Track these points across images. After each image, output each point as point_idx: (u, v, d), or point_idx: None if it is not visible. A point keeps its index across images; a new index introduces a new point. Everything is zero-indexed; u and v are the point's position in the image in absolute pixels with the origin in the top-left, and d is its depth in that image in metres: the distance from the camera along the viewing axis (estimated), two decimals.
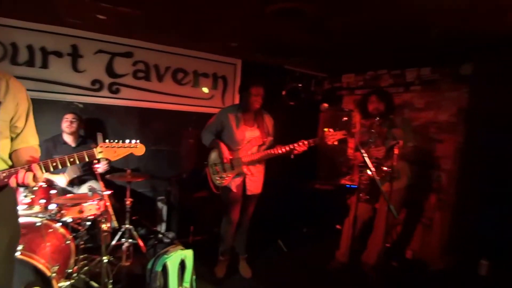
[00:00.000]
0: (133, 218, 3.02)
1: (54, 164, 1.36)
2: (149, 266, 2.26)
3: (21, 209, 2.10)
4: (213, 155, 2.72)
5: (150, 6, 2.46)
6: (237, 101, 3.98)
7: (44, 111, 3.02)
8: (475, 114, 3.08)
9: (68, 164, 1.38)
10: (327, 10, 2.29)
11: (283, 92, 4.31)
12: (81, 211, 2.26)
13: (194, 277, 2.37)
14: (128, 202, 2.89)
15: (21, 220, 1.79)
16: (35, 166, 1.31)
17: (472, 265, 2.99)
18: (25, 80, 3.00)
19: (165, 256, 2.24)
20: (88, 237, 2.59)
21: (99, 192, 2.49)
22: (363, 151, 2.27)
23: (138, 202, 3.17)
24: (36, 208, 2.17)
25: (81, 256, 2.39)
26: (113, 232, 2.81)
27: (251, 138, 2.66)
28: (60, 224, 2.22)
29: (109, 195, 2.54)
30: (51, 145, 2.94)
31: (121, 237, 2.89)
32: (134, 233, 2.96)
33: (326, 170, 4.68)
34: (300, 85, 4.38)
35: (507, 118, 2.80)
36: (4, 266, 1.40)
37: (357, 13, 2.31)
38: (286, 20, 2.49)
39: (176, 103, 3.83)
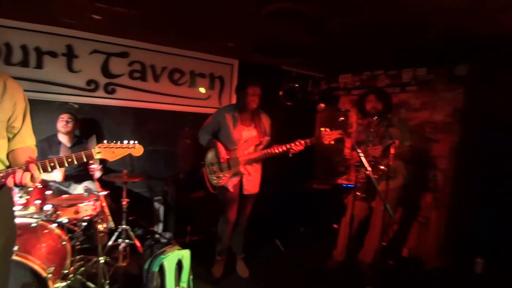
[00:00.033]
0: (130, 218, 3.01)
1: (52, 164, 1.35)
2: (146, 266, 2.25)
3: (16, 209, 2.08)
4: (210, 155, 2.72)
5: (146, 6, 2.46)
6: (234, 101, 3.97)
7: (38, 111, 3.00)
8: (470, 115, 3.11)
9: (66, 164, 1.38)
10: (324, 10, 2.29)
11: (280, 93, 4.32)
12: (77, 212, 2.24)
13: (191, 277, 2.37)
14: (124, 203, 2.87)
15: (16, 221, 1.78)
16: (32, 166, 1.31)
17: (468, 263, 3.01)
18: (20, 81, 2.89)
19: (162, 256, 2.23)
20: (84, 238, 2.56)
21: (95, 192, 2.47)
22: (359, 150, 2.28)
23: (135, 202, 3.16)
24: (31, 209, 2.15)
25: (77, 257, 2.38)
26: (109, 232, 2.80)
27: (248, 138, 2.66)
28: (56, 224, 2.20)
29: (105, 196, 2.52)
30: (46, 146, 2.92)
31: (118, 237, 2.88)
32: (131, 233, 2.95)
33: (323, 170, 4.69)
34: (297, 85, 4.39)
35: (502, 118, 2.83)
36: (0, 266, 1.39)
37: (354, 13, 2.32)
38: (283, 20, 2.50)
39: (172, 103, 3.82)
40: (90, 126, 3.39)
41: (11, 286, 1.61)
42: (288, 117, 3.95)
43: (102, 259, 2.29)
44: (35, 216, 2.13)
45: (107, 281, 2.30)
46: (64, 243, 2.18)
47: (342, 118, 2.57)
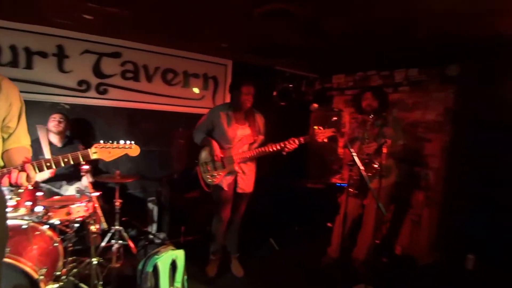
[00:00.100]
0: (123, 219, 2.99)
1: (48, 164, 1.34)
2: (139, 267, 2.24)
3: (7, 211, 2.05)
4: (204, 154, 2.72)
5: (138, 6, 2.44)
6: (228, 101, 3.98)
7: (29, 112, 2.93)
8: (461, 114, 3.16)
9: (62, 164, 1.37)
10: (317, 11, 2.31)
11: (274, 93, 4.34)
12: (68, 213, 2.22)
13: (185, 277, 2.37)
14: (117, 203, 2.85)
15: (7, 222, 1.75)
16: (28, 166, 1.30)
17: (459, 260, 3.06)
18: None
19: (156, 256, 2.22)
20: (77, 239, 2.55)
21: (87, 193, 2.45)
22: (352, 149, 2.30)
23: (128, 203, 3.14)
24: (22, 211, 2.12)
25: (70, 259, 2.35)
26: (102, 233, 2.78)
27: (242, 136, 2.66)
28: (47, 226, 2.17)
29: (98, 197, 2.50)
30: (37, 146, 2.88)
31: (111, 238, 2.86)
32: (124, 234, 2.93)
33: (317, 169, 4.72)
34: (291, 85, 4.41)
35: (492, 118, 2.88)
36: None
37: (347, 15, 2.34)
38: (276, 21, 2.51)
39: (166, 104, 3.80)
40: (81, 126, 3.36)
41: None
42: (282, 117, 3.96)
43: (95, 260, 2.28)
44: (26, 217, 2.10)
45: (101, 282, 2.29)
46: (56, 244, 2.16)
47: (335, 118, 2.60)
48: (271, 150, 2.55)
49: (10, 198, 2.11)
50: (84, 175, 2.50)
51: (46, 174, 2.74)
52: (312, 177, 4.63)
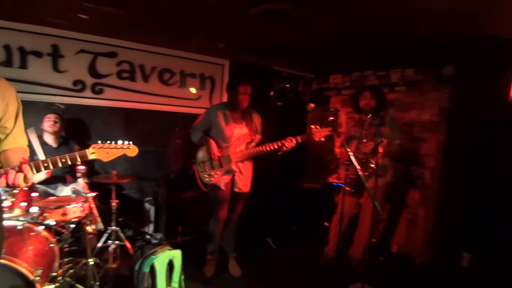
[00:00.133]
0: (120, 219, 2.98)
1: (46, 164, 1.33)
2: (136, 267, 2.23)
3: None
4: (201, 153, 2.71)
5: (135, 6, 2.43)
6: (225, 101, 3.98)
7: (23, 112, 2.90)
8: (456, 114, 3.19)
9: (60, 165, 1.36)
10: (314, 12, 2.32)
11: (271, 93, 4.34)
12: (64, 214, 2.20)
13: (182, 277, 2.36)
14: (114, 204, 2.84)
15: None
16: (26, 167, 1.29)
17: (454, 258, 3.09)
18: None
19: (153, 256, 2.22)
20: (73, 240, 2.53)
21: (83, 194, 2.44)
22: (348, 149, 2.31)
23: (125, 203, 3.13)
24: (17, 211, 2.10)
25: (66, 259, 2.34)
26: (99, 234, 2.77)
27: (239, 135, 2.66)
28: (43, 227, 2.16)
29: (94, 197, 2.49)
30: (30, 149, 2.86)
31: (108, 239, 2.84)
32: (121, 234, 2.91)
33: (314, 169, 4.73)
34: (288, 85, 4.41)
35: (486, 118, 2.90)
36: None
37: (344, 15, 2.35)
38: (273, 21, 2.51)
39: (162, 104, 3.79)
40: (77, 127, 3.33)
41: None
42: (279, 117, 3.97)
43: (91, 261, 2.26)
44: (21, 218, 2.08)
45: (97, 283, 2.27)
46: (51, 245, 2.14)
47: (331, 118, 2.61)
48: (268, 149, 2.56)
49: (5, 199, 2.09)
50: (80, 176, 2.48)
51: (43, 175, 2.72)
52: (309, 176, 4.64)
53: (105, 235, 2.85)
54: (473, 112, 3.00)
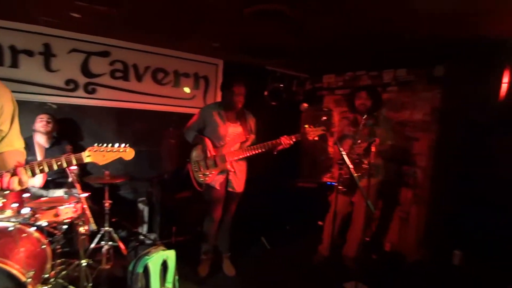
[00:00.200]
0: (113, 220, 2.96)
1: (41, 167, 1.31)
2: (130, 268, 2.22)
3: None
4: (195, 152, 2.70)
5: (128, 5, 2.41)
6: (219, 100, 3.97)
7: None
8: (447, 114, 3.23)
9: (55, 167, 1.34)
10: (307, 12, 2.33)
11: (265, 93, 4.35)
12: (56, 215, 2.18)
13: (176, 277, 2.36)
14: (107, 204, 2.82)
15: None
16: (20, 170, 1.27)
17: (446, 256, 3.13)
18: None
19: (147, 257, 2.21)
20: (65, 241, 2.50)
21: (76, 194, 2.41)
22: (341, 148, 2.33)
23: (118, 204, 3.10)
24: (8, 213, 2.07)
25: (58, 261, 2.32)
26: (91, 235, 2.74)
27: (234, 135, 2.67)
28: (35, 228, 2.13)
29: (86, 198, 2.47)
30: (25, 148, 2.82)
31: (101, 239, 2.82)
32: (114, 235, 2.89)
33: (308, 169, 4.75)
34: (282, 85, 4.43)
35: (477, 117, 2.94)
36: None
37: (337, 17, 2.37)
38: (267, 21, 2.51)
39: (156, 103, 3.77)
40: (69, 127, 3.30)
41: None
42: (273, 117, 3.98)
43: (84, 262, 2.24)
44: (13, 219, 2.05)
45: (90, 284, 2.26)
46: (43, 246, 2.11)
47: (325, 118, 2.63)
48: (263, 149, 2.57)
49: None
50: (71, 175, 2.46)
51: (39, 180, 2.68)
52: (303, 176, 4.66)
53: (98, 236, 2.83)
54: (464, 112, 3.04)
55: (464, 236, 3.02)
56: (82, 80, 3.32)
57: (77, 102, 3.33)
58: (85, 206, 2.41)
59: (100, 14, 2.56)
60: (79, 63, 3.29)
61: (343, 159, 2.32)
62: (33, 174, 1.31)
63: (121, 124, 3.60)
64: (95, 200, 2.85)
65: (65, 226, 2.30)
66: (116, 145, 1.49)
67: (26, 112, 2.99)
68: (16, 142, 1.44)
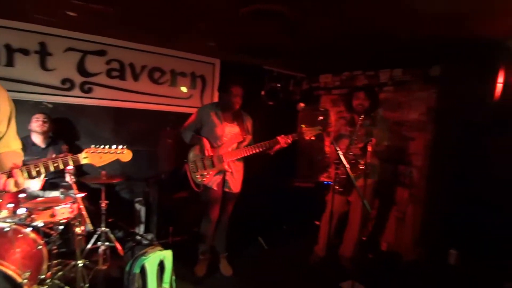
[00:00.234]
0: (109, 220, 2.94)
1: (37, 169, 1.30)
2: (127, 268, 2.21)
3: None
4: (193, 153, 2.70)
5: (124, 4, 2.40)
6: (216, 100, 3.97)
7: None
8: (443, 113, 3.25)
9: (52, 169, 1.33)
10: (304, 12, 2.33)
11: (262, 92, 4.35)
12: (53, 215, 2.17)
13: (173, 277, 2.35)
14: (103, 205, 2.80)
15: None
16: (16, 172, 1.25)
17: (442, 255, 3.16)
18: None
19: (143, 257, 2.20)
20: (62, 242, 2.49)
21: (72, 194, 2.40)
22: (338, 148, 2.34)
23: (115, 204, 3.09)
24: (4, 213, 2.06)
25: (55, 261, 2.30)
26: (88, 235, 2.73)
27: (231, 135, 2.67)
28: (31, 229, 2.11)
29: (83, 198, 2.45)
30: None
31: (97, 240, 2.81)
32: (111, 235, 2.88)
33: (304, 168, 4.76)
34: (279, 85, 4.43)
35: (472, 117, 2.97)
36: None
37: (334, 17, 2.37)
38: (263, 20, 2.51)
39: (153, 103, 3.76)
40: (65, 126, 3.28)
41: None
42: (270, 116, 3.98)
43: (80, 263, 2.23)
44: (8, 220, 2.04)
45: (87, 285, 2.25)
46: (40, 247, 2.09)
47: (321, 117, 2.64)
48: (260, 148, 2.57)
49: None
50: (68, 175, 2.45)
51: (38, 184, 2.65)
52: (300, 176, 4.67)
53: (95, 237, 2.82)
54: (459, 112, 3.06)
55: (460, 235, 3.05)
56: (78, 79, 3.30)
57: (73, 102, 3.31)
58: (82, 206, 2.40)
59: (96, 12, 2.55)
60: (75, 62, 3.27)
61: (339, 158, 2.33)
62: (30, 176, 1.30)
63: (117, 124, 3.59)
64: (91, 200, 2.84)
65: (61, 227, 2.28)
66: (114, 146, 1.48)
67: (22, 111, 2.96)
68: (13, 143, 1.43)
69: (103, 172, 2.81)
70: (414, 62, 3.41)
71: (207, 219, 2.76)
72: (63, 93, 3.24)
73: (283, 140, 2.53)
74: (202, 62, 4.03)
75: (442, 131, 3.26)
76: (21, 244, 1.98)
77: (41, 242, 2.12)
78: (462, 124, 3.05)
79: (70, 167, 2.41)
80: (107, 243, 2.78)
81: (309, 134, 2.52)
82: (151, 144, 3.80)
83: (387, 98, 3.74)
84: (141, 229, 3.51)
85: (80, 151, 1.44)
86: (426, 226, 3.33)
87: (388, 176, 3.40)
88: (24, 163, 1.34)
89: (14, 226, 2.01)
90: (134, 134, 3.65)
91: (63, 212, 2.21)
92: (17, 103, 3.05)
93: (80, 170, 3.11)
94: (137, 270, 2.15)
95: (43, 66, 3.12)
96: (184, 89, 3.95)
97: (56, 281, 2.24)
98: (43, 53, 3.10)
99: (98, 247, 2.73)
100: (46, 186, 2.82)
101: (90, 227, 2.64)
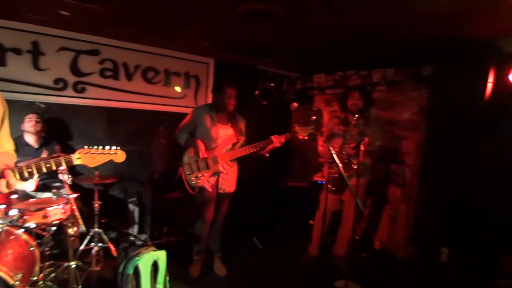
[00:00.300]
0: (102, 221, 2.92)
1: (30, 170, 1.30)
2: (120, 269, 2.20)
3: None
4: (188, 155, 2.69)
5: (118, 3, 2.39)
6: (210, 100, 3.96)
7: None
8: (434, 113, 3.29)
9: (44, 170, 1.33)
10: (298, 13, 2.35)
11: (256, 92, 4.36)
12: (45, 216, 2.15)
13: (167, 277, 2.35)
14: (96, 205, 2.79)
15: None
16: (8, 173, 1.25)
17: (434, 253, 3.20)
18: None
19: (137, 258, 2.19)
20: (54, 243, 2.47)
21: (65, 195, 2.38)
22: (331, 148, 2.36)
23: (109, 204, 3.07)
24: None
25: (47, 263, 2.28)
26: (81, 236, 2.72)
27: (225, 137, 2.67)
28: (23, 230, 2.10)
29: (75, 198, 2.44)
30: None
31: (90, 241, 2.79)
32: (104, 236, 2.86)
33: (298, 168, 4.78)
34: (272, 84, 4.45)
35: (463, 116, 3.01)
36: None
37: (328, 17, 2.39)
38: (257, 20, 2.52)
39: (147, 103, 3.75)
40: (58, 126, 3.25)
41: None
42: (264, 116, 4.00)
43: (73, 264, 2.22)
44: (0, 221, 2.02)
45: (80, 286, 2.24)
46: (32, 249, 2.08)
47: (314, 117, 2.66)
48: (255, 149, 2.58)
49: None
50: (61, 174, 2.43)
51: (31, 185, 2.63)
52: (294, 175, 4.69)
53: (88, 237, 2.80)
54: (451, 111, 3.09)
55: (452, 233, 3.08)
56: (71, 79, 3.28)
57: (66, 102, 3.28)
58: (74, 207, 2.39)
59: (90, 12, 2.53)
60: (68, 62, 3.25)
61: (332, 158, 2.35)
62: (22, 177, 1.29)
63: (111, 124, 3.57)
64: (84, 201, 2.82)
65: (54, 228, 2.27)
66: (107, 147, 1.48)
67: (14, 111, 2.92)
68: (6, 144, 1.42)
69: (96, 173, 2.79)
70: (406, 62, 3.45)
71: (201, 220, 2.76)
72: (56, 93, 3.22)
73: (277, 140, 2.55)
74: (196, 62, 4.02)
75: (434, 130, 3.30)
76: (13, 246, 1.97)
77: (34, 243, 2.11)
78: (454, 124, 3.08)
79: (63, 167, 2.42)
80: (100, 244, 2.77)
81: (302, 133, 2.54)
82: (144, 144, 3.79)
83: (379, 97, 3.77)
84: (134, 229, 3.50)
85: (74, 151, 1.43)
86: (418, 225, 3.37)
87: (380, 175, 3.43)
88: (16, 164, 1.33)
89: (6, 228, 1.99)
90: (128, 134, 3.64)
91: (56, 213, 2.19)
92: (9, 103, 3.02)
93: (73, 171, 3.10)
94: (130, 271, 2.14)
95: (36, 65, 3.09)
96: (178, 89, 3.94)
97: (49, 283, 2.23)
98: (36, 53, 3.07)
99: (91, 248, 2.71)
100: (39, 187, 2.79)
101: (83, 228, 2.63)
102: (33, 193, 2.74)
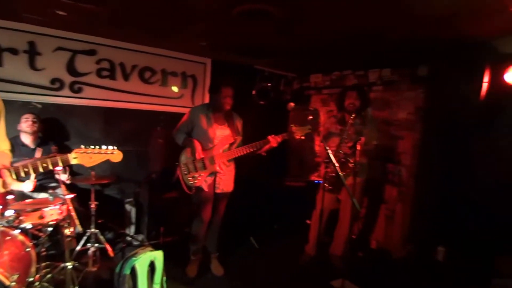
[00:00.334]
0: (99, 221, 2.92)
1: (26, 169, 1.30)
2: (117, 269, 2.20)
3: None
4: (185, 155, 2.70)
5: (115, 3, 2.38)
6: (207, 100, 3.96)
7: None
8: (430, 113, 3.31)
9: (41, 170, 1.33)
10: (295, 13, 2.35)
11: (253, 92, 4.36)
12: (41, 217, 2.13)
13: (164, 278, 2.35)
14: (93, 206, 2.78)
15: None
16: (4, 172, 1.25)
17: (430, 252, 3.22)
18: None
19: (134, 258, 2.19)
20: (51, 244, 2.47)
21: (61, 196, 2.38)
22: (327, 147, 2.37)
23: (105, 205, 3.06)
24: None
25: (44, 264, 2.27)
26: (77, 237, 2.71)
27: (222, 137, 2.67)
28: (19, 231, 2.09)
29: (72, 199, 2.43)
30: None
31: (87, 241, 2.78)
32: (101, 237, 2.86)
33: (295, 168, 4.79)
34: (269, 84, 4.45)
35: (459, 116, 3.03)
36: None
37: (325, 18, 2.40)
38: (255, 20, 2.52)
39: (143, 103, 3.74)
40: (55, 127, 3.24)
41: None
42: (261, 116, 4.00)
43: (69, 265, 2.21)
44: None
45: (76, 287, 2.23)
46: (28, 249, 2.07)
47: (311, 117, 2.67)
48: (252, 149, 2.58)
49: None
50: (58, 175, 2.42)
51: (29, 186, 2.62)
52: (291, 175, 4.70)
53: (84, 238, 2.79)
54: (446, 111, 3.11)
55: (448, 232, 3.10)
56: (67, 79, 3.27)
57: (63, 102, 3.27)
58: (71, 207, 2.38)
59: (86, 12, 2.53)
60: (64, 62, 3.24)
61: (329, 157, 2.36)
62: (18, 177, 1.29)
63: (108, 124, 3.56)
64: (81, 202, 2.81)
65: (50, 228, 2.25)
66: (104, 147, 1.48)
67: (11, 111, 2.90)
68: (1, 144, 1.42)
69: (93, 173, 2.79)
70: (402, 62, 3.46)
71: (199, 220, 2.76)
72: (52, 93, 3.21)
73: (274, 140, 2.55)
74: (193, 62, 4.02)
75: (430, 130, 3.31)
76: (9, 247, 1.96)
77: (30, 244, 2.10)
78: (450, 124, 3.10)
79: (59, 167, 2.42)
80: (97, 245, 2.76)
81: (299, 133, 2.54)
82: (141, 144, 3.78)
83: (376, 97, 3.79)
84: (131, 230, 3.49)
85: (70, 151, 1.43)
86: (414, 224, 3.38)
87: (377, 174, 3.45)
88: (12, 164, 1.33)
89: (2, 228, 1.98)
90: (125, 134, 3.63)
91: (52, 213, 2.18)
92: (5, 103, 3.01)
93: (70, 171, 3.09)
94: (127, 271, 2.15)
95: (32, 65, 3.08)
96: (175, 88, 3.94)
97: (45, 284, 2.22)
98: (32, 53, 3.06)
99: (88, 249, 2.70)
100: (35, 188, 2.79)
101: (79, 228, 2.62)
102: (29, 194, 2.74)
